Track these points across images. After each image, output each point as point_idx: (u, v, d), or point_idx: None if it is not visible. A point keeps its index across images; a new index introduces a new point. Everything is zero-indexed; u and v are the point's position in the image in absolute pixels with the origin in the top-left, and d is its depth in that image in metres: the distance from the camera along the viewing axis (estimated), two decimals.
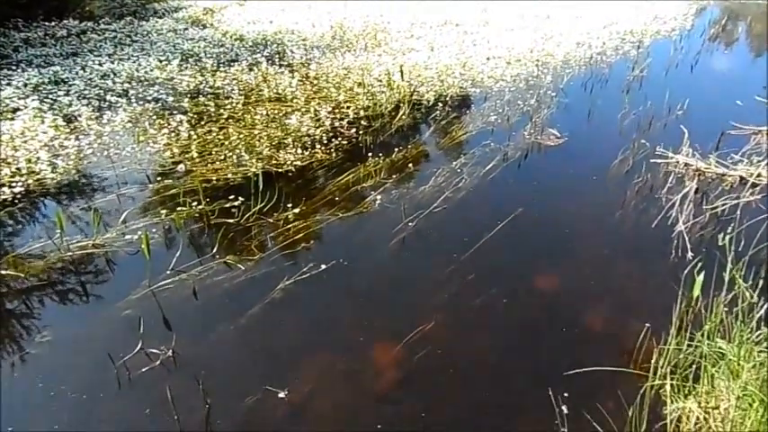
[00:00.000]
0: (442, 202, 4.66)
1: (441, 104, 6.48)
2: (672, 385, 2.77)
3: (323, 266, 3.95)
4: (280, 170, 5.20)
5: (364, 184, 4.95)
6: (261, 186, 4.63)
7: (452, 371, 3.18)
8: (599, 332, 3.34)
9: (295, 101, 6.62)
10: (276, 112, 6.35)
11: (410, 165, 5.24)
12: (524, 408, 2.84)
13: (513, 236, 4.22)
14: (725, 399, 2.54)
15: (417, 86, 6.93)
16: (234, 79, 7.33)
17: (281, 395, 3.01)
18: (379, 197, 4.74)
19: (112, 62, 7.85)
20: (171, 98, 6.80)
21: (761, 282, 3.11)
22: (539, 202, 4.68)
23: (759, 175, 3.17)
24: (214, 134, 5.84)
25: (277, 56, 8.41)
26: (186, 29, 9.98)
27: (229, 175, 5.06)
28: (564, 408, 2.81)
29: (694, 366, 2.80)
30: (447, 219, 4.50)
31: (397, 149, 5.50)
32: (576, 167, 5.29)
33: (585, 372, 2.88)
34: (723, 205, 3.93)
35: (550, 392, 2.87)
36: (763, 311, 2.93)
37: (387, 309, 3.67)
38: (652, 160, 4.39)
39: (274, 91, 6.89)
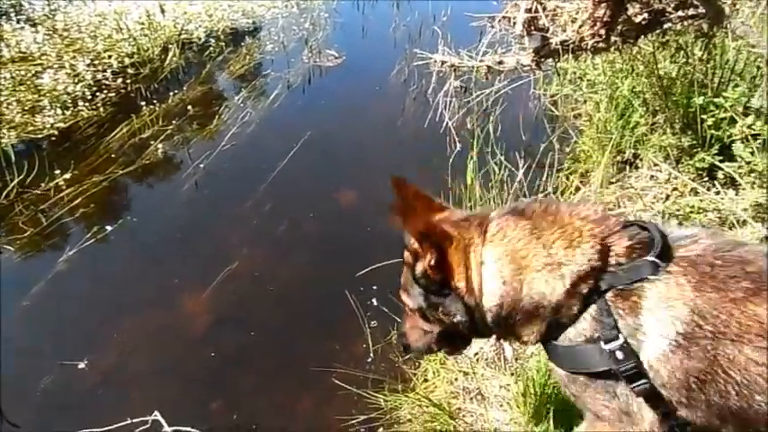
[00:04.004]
0: (230, 139, 4.51)
1: (213, 40, 6.13)
2: None
3: (108, 228, 3.65)
4: (39, 136, 4.59)
5: (142, 135, 4.58)
6: (14, 158, 4.06)
7: (265, 296, 3.22)
8: (397, 233, 3.56)
9: (45, 58, 5.78)
10: (23, 73, 5.51)
11: (189, 107, 4.95)
12: (340, 310, 2.96)
13: (306, 160, 4.26)
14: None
15: (185, 25, 6.46)
16: None
17: (81, 366, 2.80)
18: (160, 145, 4.44)
19: None
20: None
21: (520, 159, 3.53)
22: (327, 123, 4.75)
23: (502, 62, 3.52)
24: None
25: (12, 10, 7.21)
26: None
27: None
28: (374, 300, 3.03)
29: None
30: (238, 154, 4.39)
31: (172, 94, 5.14)
32: (358, 84, 5.44)
33: (390, 265, 3.05)
34: (479, 96, 4.35)
35: (362, 289, 3.05)
36: (525, 187, 3.36)
37: (188, 258, 3.54)
38: (415, 63, 4.66)
39: (16, 50, 5.94)
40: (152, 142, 4.48)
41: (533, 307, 1.43)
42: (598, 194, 3.30)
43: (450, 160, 3.42)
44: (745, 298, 1.33)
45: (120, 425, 2.01)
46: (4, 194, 3.89)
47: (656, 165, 3.39)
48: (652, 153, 3.39)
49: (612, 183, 3.48)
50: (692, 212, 2.96)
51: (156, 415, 1.99)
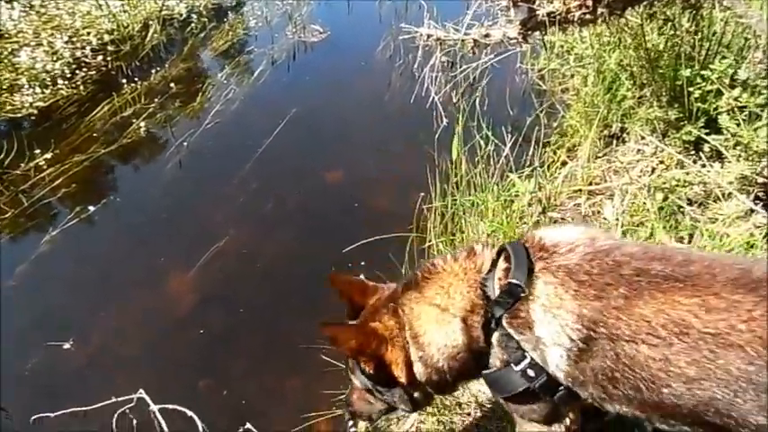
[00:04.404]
0: (213, 116, 4.44)
1: (195, 16, 5.99)
2: (443, 242, 3.10)
3: (91, 208, 3.60)
4: (18, 115, 4.49)
5: (124, 114, 4.49)
6: None
7: (252, 274, 3.20)
8: (384, 209, 3.56)
9: (21, 35, 5.64)
10: (0, 51, 5.38)
11: (172, 84, 4.86)
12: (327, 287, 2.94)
13: (292, 137, 4.20)
14: (478, 238, 2.89)
15: (165, 0, 6.30)
16: None
17: (67, 346, 2.78)
18: (143, 124, 4.36)
19: None
20: None
21: (507, 134, 3.50)
22: (312, 100, 4.68)
23: (488, 35, 3.48)
24: None
25: None
26: None
27: None
28: (361, 276, 3.01)
29: (457, 218, 3.13)
30: (222, 132, 4.32)
31: (154, 71, 5.04)
32: (344, 59, 5.35)
33: (378, 242, 3.05)
34: (466, 69, 4.30)
35: (350, 265, 3.04)
36: (512, 162, 3.34)
37: (173, 237, 3.51)
38: (401, 38, 4.60)
39: None
40: (134, 121, 4.39)
41: (450, 358, 1.57)
42: (585, 168, 3.29)
43: (437, 135, 3.39)
44: (627, 303, 1.40)
45: (105, 403, 1.99)
46: None
47: (642, 138, 3.38)
48: (639, 127, 3.38)
49: (599, 157, 3.47)
50: (677, 186, 2.96)
51: (142, 393, 1.97)
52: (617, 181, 3.18)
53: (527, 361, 1.49)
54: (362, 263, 3.08)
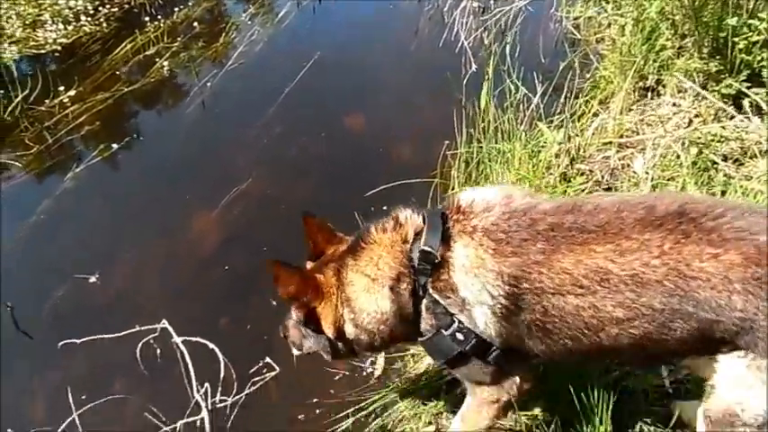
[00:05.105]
0: (237, 58, 4.37)
1: None
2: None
3: (115, 146, 3.60)
4: (42, 52, 4.47)
5: (147, 52, 4.44)
6: (16, 74, 3.95)
7: (274, 216, 3.19)
8: (409, 155, 3.51)
9: None
10: None
11: (195, 24, 4.77)
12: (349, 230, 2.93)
13: (316, 81, 4.12)
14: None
15: None
16: None
17: (92, 280, 2.83)
18: (166, 63, 4.31)
19: None
20: None
21: (538, 83, 3.39)
22: (337, 43, 4.59)
23: None
24: None
25: None
26: None
27: None
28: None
29: (483, 167, 3.07)
30: (246, 74, 4.26)
31: (177, 9, 4.94)
32: (371, 2, 5.18)
33: (401, 187, 3.00)
34: (498, 14, 4.15)
35: (372, 210, 3.01)
36: (541, 111, 3.25)
37: (196, 178, 3.50)
38: None
39: None
40: (157, 60, 4.34)
41: (379, 323, 1.63)
42: (617, 120, 3.18)
43: (465, 81, 3.29)
44: (546, 258, 1.44)
45: (129, 331, 2.03)
46: (8, 111, 3.83)
47: (679, 92, 3.26)
48: (677, 79, 3.24)
49: (632, 110, 3.35)
50: (713, 140, 2.86)
51: (165, 323, 2.00)
52: (650, 134, 3.08)
53: (456, 325, 1.54)
54: (384, 207, 3.04)
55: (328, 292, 1.68)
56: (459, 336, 1.55)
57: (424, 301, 1.57)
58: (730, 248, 1.33)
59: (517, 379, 1.68)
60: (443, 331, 1.56)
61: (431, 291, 1.55)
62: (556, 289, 1.44)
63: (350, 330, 1.69)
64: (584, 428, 1.79)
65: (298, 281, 1.67)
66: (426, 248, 1.53)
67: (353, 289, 1.64)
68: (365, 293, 1.62)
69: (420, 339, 1.65)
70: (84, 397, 1.98)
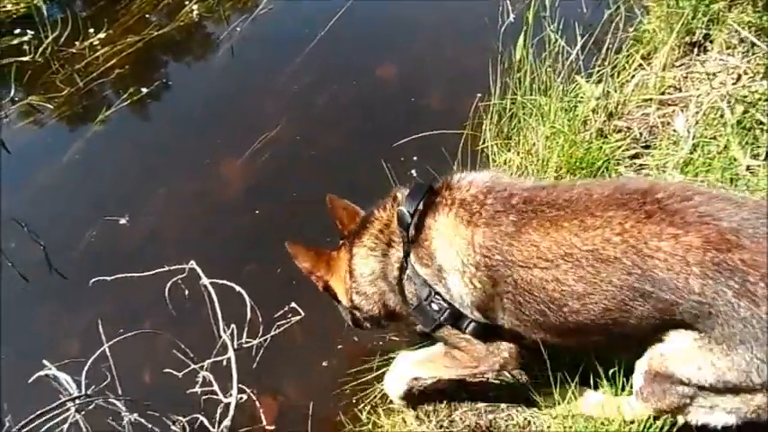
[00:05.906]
0: (267, 3, 4.27)
1: None
2: (498, 144, 2.98)
3: (144, 90, 3.59)
4: None
5: None
6: (46, 14, 3.93)
7: (303, 164, 3.17)
8: (440, 106, 3.43)
9: None
10: None
11: None
12: (378, 179, 2.88)
13: (347, 29, 4.01)
14: (536, 142, 2.76)
15: None
16: None
17: (123, 222, 2.87)
18: (195, 7, 4.24)
19: None
20: None
21: (578, 36, 3.25)
22: None
23: None
24: None
25: None
26: None
27: (9, 6, 4.22)
28: (413, 171, 2.98)
29: (515, 120, 2.98)
30: (275, 20, 4.17)
31: None
32: None
33: (431, 138, 2.94)
34: None
35: (402, 159, 2.99)
36: (581, 63, 3.12)
37: (225, 123, 3.48)
38: None
39: None
40: (186, 3, 4.27)
41: (375, 286, 1.84)
42: (659, 77, 3.05)
43: (502, 29, 3.16)
44: (517, 231, 1.50)
45: (157, 271, 2.05)
46: (39, 52, 3.83)
47: (728, 48, 3.10)
48: (725, 34, 3.09)
49: (676, 66, 3.21)
50: (761, 99, 2.73)
51: (193, 264, 2.01)
52: (693, 91, 2.95)
53: (432, 295, 1.65)
54: (415, 158, 3.01)
55: (338, 265, 1.91)
56: (435, 306, 1.65)
57: (407, 272, 1.69)
58: (691, 231, 1.34)
59: (505, 353, 1.73)
60: (423, 302, 1.67)
61: (413, 260, 1.66)
62: (524, 261, 1.49)
63: (355, 299, 1.90)
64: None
65: (312, 257, 1.93)
66: (401, 209, 1.64)
67: (356, 260, 1.84)
68: (362, 260, 1.83)
69: (408, 311, 1.77)
70: (119, 331, 2.04)
